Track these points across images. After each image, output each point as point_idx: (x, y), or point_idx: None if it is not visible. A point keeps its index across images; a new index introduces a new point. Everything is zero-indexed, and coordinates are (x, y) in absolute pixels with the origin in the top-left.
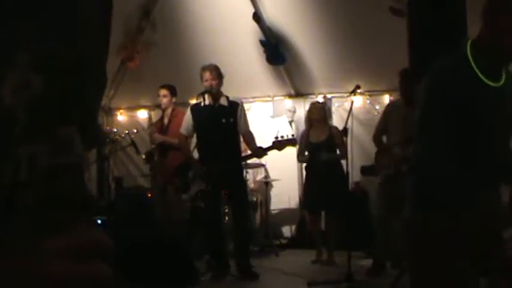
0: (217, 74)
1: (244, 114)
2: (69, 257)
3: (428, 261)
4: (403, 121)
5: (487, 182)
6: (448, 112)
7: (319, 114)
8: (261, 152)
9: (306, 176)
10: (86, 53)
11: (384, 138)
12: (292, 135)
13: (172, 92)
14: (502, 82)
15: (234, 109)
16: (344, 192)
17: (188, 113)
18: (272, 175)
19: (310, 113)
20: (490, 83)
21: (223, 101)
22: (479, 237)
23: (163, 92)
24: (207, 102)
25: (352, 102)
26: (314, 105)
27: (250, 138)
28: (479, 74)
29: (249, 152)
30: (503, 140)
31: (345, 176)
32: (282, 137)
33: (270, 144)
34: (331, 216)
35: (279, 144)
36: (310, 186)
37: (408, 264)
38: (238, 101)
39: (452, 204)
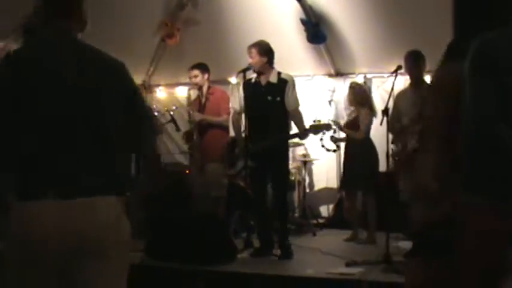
0: (259, 52)
1: (293, 92)
2: None
3: (473, 247)
4: (411, 104)
5: None
6: (501, 84)
7: (354, 96)
8: (305, 133)
9: (344, 155)
10: None
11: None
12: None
13: (203, 70)
14: None
15: (282, 86)
16: (373, 172)
17: (240, 89)
18: (311, 154)
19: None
20: None
21: (272, 78)
22: None
23: (194, 72)
24: (253, 80)
25: (393, 83)
26: (350, 87)
27: (297, 117)
28: None
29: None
30: None
31: (376, 156)
32: (318, 121)
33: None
34: (368, 195)
35: (315, 128)
36: (343, 165)
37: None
38: (288, 78)
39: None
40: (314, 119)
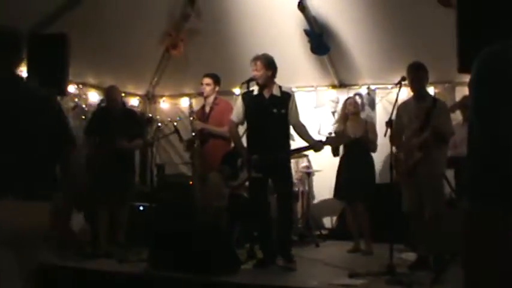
0: (263, 65)
1: (296, 105)
2: None
3: (482, 259)
4: (413, 117)
5: None
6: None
7: (353, 109)
8: (320, 145)
9: (339, 166)
10: None
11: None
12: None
13: (216, 80)
14: None
15: (286, 100)
16: (371, 183)
17: (240, 101)
18: (314, 166)
19: (344, 109)
20: None
21: (275, 91)
22: None
23: (207, 80)
24: (255, 92)
25: (397, 94)
26: (348, 101)
27: (303, 129)
28: None
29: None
30: None
31: (373, 168)
32: (335, 133)
33: (323, 138)
34: (361, 206)
35: (333, 140)
36: (341, 176)
37: (462, 257)
38: (290, 92)
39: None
40: (318, 129)
